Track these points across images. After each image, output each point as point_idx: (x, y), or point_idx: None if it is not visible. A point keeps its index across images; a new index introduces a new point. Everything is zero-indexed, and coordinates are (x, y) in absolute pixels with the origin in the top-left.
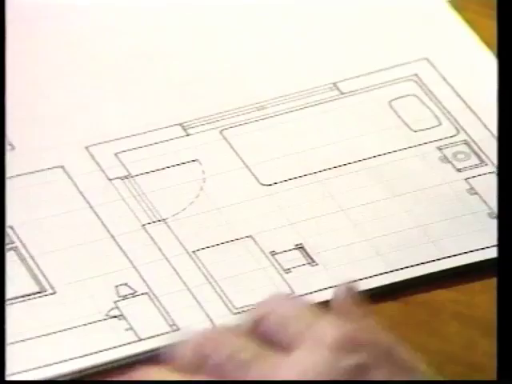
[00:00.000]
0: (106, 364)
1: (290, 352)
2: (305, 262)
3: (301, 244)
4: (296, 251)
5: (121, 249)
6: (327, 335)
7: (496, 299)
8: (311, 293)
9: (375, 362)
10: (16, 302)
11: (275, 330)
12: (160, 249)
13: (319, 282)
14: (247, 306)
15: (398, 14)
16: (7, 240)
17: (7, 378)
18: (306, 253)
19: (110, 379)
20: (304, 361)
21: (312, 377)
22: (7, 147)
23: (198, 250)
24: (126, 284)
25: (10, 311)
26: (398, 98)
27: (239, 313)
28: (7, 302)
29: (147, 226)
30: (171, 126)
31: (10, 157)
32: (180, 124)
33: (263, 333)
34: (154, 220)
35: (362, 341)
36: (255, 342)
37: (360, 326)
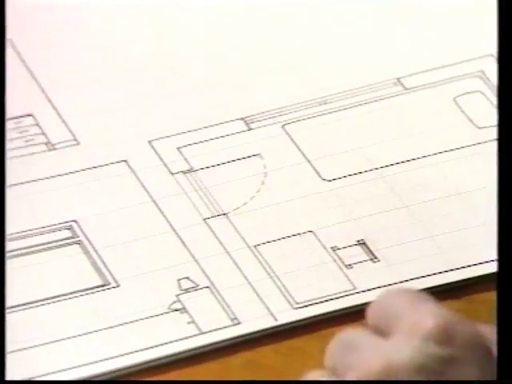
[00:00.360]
0: (168, 357)
1: (388, 338)
2: (366, 258)
3: (362, 240)
4: (357, 247)
5: (183, 242)
6: (423, 323)
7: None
8: (373, 289)
9: (465, 357)
10: (80, 295)
11: (380, 317)
12: (221, 243)
13: (381, 278)
14: (308, 301)
15: (464, 10)
16: (71, 233)
17: (7, 378)
18: (368, 249)
19: (170, 372)
20: (392, 348)
21: (396, 365)
22: (72, 142)
23: (259, 245)
24: (187, 278)
25: (74, 304)
26: (462, 95)
27: (300, 307)
28: (71, 295)
29: (209, 220)
30: (233, 120)
31: (74, 151)
32: (242, 118)
33: (375, 322)
34: (216, 214)
35: (458, 333)
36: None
37: (459, 316)
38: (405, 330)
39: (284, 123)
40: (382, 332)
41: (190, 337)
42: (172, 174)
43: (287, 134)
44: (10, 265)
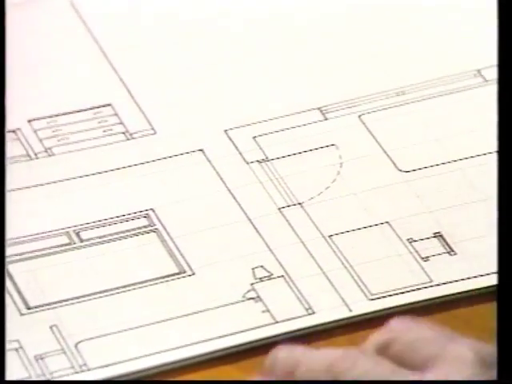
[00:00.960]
0: (242, 345)
1: (427, 371)
2: (443, 250)
3: (439, 232)
4: (434, 239)
5: (257, 231)
6: (467, 353)
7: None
8: (449, 282)
9: None
10: (156, 283)
11: (406, 352)
12: (296, 232)
13: (458, 271)
14: (383, 293)
15: None
16: (148, 222)
17: (7, 378)
18: (445, 241)
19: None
20: (447, 376)
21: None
22: (149, 131)
23: (334, 235)
24: (262, 266)
25: (151, 292)
26: None
27: (375, 299)
28: (148, 283)
29: (283, 210)
30: (310, 110)
31: (151, 141)
32: (318, 108)
33: (393, 355)
34: (291, 203)
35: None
36: (386, 361)
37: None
38: (447, 361)
39: (360, 113)
40: (405, 365)
41: (265, 326)
42: (247, 163)
43: (363, 124)
44: (88, 253)
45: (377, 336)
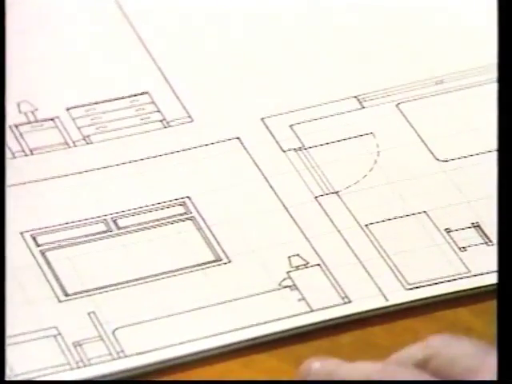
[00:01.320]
0: (277, 333)
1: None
2: (481, 241)
3: (477, 223)
4: (472, 230)
5: (293, 220)
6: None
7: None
8: (487, 273)
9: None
10: (193, 271)
11: (445, 366)
12: (332, 221)
13: (495, 262)
14: (420, 282)
15: None
16: (184, 210)
17: (7, 378)
18: (483, 232)
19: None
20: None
21: None
22: (186, 119)
23: (371, 224)
24: (298, 255)
25: (187, 279)
26: None
27: (412, 288)
28: (184, 271)
29: (320, 198)
30: (347, 98)
31: (188, 129)
32: (356, 97)
33: (431, 369)
34: (327, 192)
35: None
36: (426, 375)
37: None
38: (484, 375)
39: (398, 102)
40: (443, 378)
41: (301, 314)
42: (284, 151)
43: (401, 112)
44: (125, 241)
45: (416, 351)
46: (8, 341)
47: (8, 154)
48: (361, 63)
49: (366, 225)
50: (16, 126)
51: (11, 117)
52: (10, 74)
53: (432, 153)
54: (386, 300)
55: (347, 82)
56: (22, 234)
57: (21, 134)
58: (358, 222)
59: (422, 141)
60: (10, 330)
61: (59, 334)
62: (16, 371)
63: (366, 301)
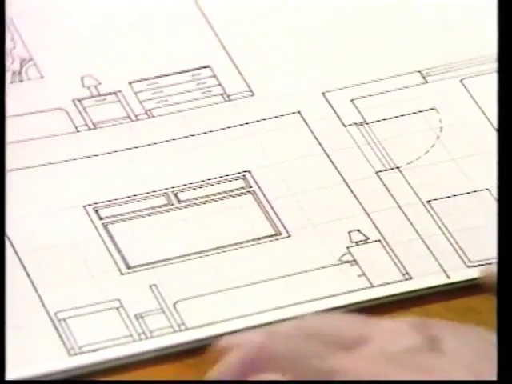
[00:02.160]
0: (337, 309)
1: (359, 349)
2: None
3: None
4: None
5: (354, 195)
6: (402, 324)
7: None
8: None
9: (441, 332)
10: (253, 245)
11: (332, 335)
12: (393, 197)
13: None
14: (483, 260)
15: None
16: (244, 184)
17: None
18: None
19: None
20: (382, 348)
21: (395, 358)
22: (247, 93)
23: (433, 200)
24: (358, 230)
25: (247, 253)
26: None
27: (474, 266)
28: (244, 244)
29: (381, 174)
30: (410, 72)
31: (248, 102)
32: (419, 71)
33: (322, 341)
34: (388, 168)
35: (427, 324)
36: (316, 344)
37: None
38: (381, 337)
39: (462, 77)
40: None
41: (361, 290)
42: (345, 126)
43: (465, 88)
44: (185, 214)
45: (304, 324)
46: (72, 313)
47: (71, 128)
48: (425, 37)
49: (428, 201)
50: (79, 100)
51: (75, 91)
52: (73, 49)
53: (495, 129)
54: (448, 277)
55: (411, 56)
56: (84, 207)
57: (84, 108)
58: (419, 198)
59: (486, 117)
60: (73, 302)
61: (121, 306)
62: (79, 343)
63: (426, 278)
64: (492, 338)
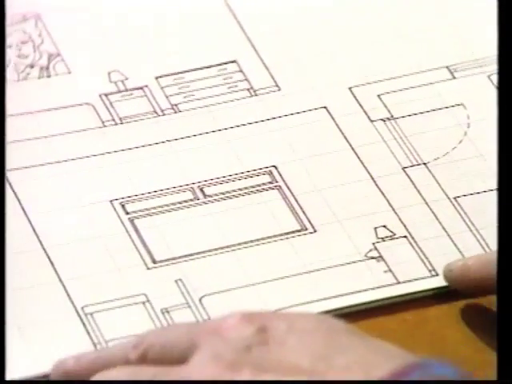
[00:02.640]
0: (362, 305)
1: (190, 360)
2: None
3: None
4: None
5: (380, 191)
6: (216, 325)
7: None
8: None
9: (270, 320)
10: (278, 240)
11: (164, 353)
12: (420, 193)
13: None
14: None
15: None
16: (271, 179)
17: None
18: None
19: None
20: (213, 352)
21: (226, 358)
22: (273, 88)
23: (460, 197)
24: (384, 226)
25: (272, 248)
26: None
27: None
28: (269, 239)
29: (407, 169)
30: (437, 68)
31: (275, 97)
32: (447, 66)
33: (153, 361)
34: (415, 163)
35: (254, 315)
36: (148, 367)
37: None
38: (205, 340)
39: (490, 73)
40: (162, 364)
41: (387, 286)
42: (371, 121)
43: (493, 84)
44: (211, 209)
45: (126, 351)
46: (98, 307)
47: (98, 123)
48: (453, 33)
49: (455, 197)
50: (106, 95)
51: (102, 86)
52: (101, 44)
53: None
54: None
55: (439, 51)
56: (111, 202)
57: (111, 103)
58: (446, 195)
59: None
60: (100, 296)
61: (148, 300)
62: (106, 337)
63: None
64: (324, 317)
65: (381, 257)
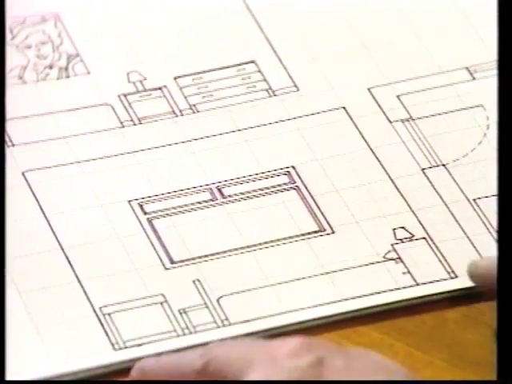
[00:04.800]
0: (381, 306)
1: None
2: None
3: None
4: None
5: (399, 192)
6: (274, 349)
7: None
8: None
9: (328, 354)
10: (296, 240)
11: (224, 367)
12: (439, 194)
13: None
14: None
15: None
16: (289, 179)
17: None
18: None
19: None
20: (263, 377)
21: (277, 376)
22: (292, 88)
23: (479, 198)
24: (403, 227)
25: (290, 249)
26: None
27: None
28: (288, 240)
29: (427, 171)
30: (457, 69)
31: (293, 98)
32: (467, 68)
33: (213, 374)
34: (434, 165)
35: (314, 344)
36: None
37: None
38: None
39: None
40: (221, 377)
41: (405, 287)
42: (390, 122)
43: None
44: (229, 209)
45: (192, 360)
46: (117, 308)
47: (117, 123)
48: (472, 33)
49: (474, 199)
50: (125, 96)
51: (121, 86)
52: (120, 45)
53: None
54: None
55: (458, 52)
56: (129, 202)
57: (129, 104)
58: (465, 196)
59: None
60: (118, 297)
61: (165, 301)
62: (124, 337)
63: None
64: (384, 362)
65: (399, 258)
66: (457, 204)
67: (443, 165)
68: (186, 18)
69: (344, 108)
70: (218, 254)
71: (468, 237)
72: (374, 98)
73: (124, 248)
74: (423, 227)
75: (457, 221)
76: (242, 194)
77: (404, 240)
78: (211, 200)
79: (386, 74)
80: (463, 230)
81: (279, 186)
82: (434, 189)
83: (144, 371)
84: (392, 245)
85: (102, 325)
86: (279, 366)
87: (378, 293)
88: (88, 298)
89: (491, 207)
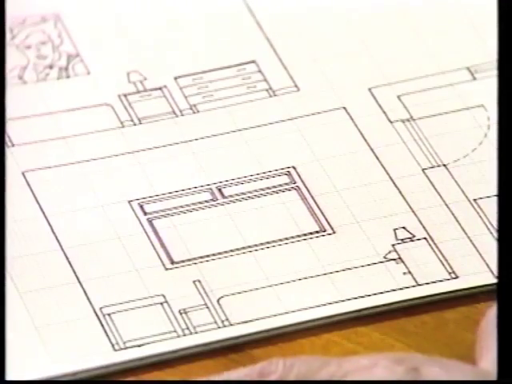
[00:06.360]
0: (382, 306)
1: None
2: None
3: None
4: None
5: (400, 192)
6: (373, 358)
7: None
8: None
9: (423, 364)
10: (297, 241)
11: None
12: (440, 194)
13: None
14: None
15: None
16: (289, 179)
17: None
18: None
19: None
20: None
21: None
22: (292, 88)
23: (480, 199)
24: (404, 228)
25: (290, 249)
26: None
27: None
28: (288, 240)
29: (427, 171)
30: (458, 69)
31: (294, 98)
32: (467, 68)
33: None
34: (435, 165)
35: (405, 357)
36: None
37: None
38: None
39: None
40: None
41: (406, 288)
42: (391, 122)
43: None
44: (230, 210)
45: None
46: (116, 308)
47: (117, 123)
48: (473, 33)
49: (475, 199)
50: (125, 96)
51: (121, 86)
52: (120, 45)
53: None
54: (495, 277)
55: (459, 52)
56: (129, 202)
57: (130, 104)
58: (466, 197)
59: None
60: (118, 297)
61: (166, 301)
62: (124, 338)
63: (473, 277)
64: (475, 373)
65: (400, 258)
66: (457, 204)
67: (444, 165)
68: (186, 18)
69: (344, 108)
70: (218, 254)
71: (469, 237)
72: (374, 98)
73: (124, 248)
74: (424, 227)
75: (457, 221)
76: (242, 194)
77: (405, 240)
78: (211, 200)
79: (386, 75)
80: (464, 231)
81: (280, 186)
82: (435, 189)
83: None
84: (393, 245)
85: (102, 325)
86: (375, 376)
87: (379, 293)
88: (88, 299)
89: (492, 207)
